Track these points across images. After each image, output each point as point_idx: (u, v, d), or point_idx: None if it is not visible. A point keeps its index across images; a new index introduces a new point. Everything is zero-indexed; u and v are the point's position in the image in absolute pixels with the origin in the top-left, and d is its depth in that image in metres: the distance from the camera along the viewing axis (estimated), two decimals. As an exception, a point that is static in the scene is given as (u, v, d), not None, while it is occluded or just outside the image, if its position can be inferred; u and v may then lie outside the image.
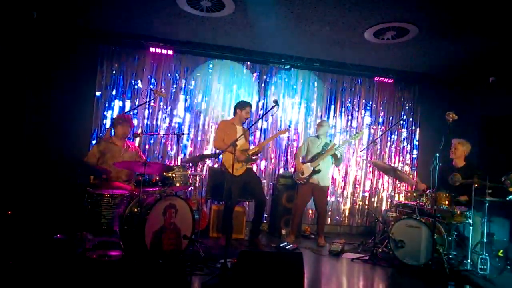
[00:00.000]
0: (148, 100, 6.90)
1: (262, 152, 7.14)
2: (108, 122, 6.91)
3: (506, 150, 6.58)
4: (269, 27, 5.96)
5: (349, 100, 7.98)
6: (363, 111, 8.02)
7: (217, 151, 5.96)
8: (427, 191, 5.39)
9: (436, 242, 4.83)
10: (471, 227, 4.94)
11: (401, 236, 5.08)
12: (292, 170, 7.25)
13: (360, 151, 7.86)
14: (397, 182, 7.90)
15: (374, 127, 8.05)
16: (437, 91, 7.80)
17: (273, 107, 4.89)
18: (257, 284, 3.50)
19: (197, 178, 6.71)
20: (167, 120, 7.24)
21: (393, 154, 8.12)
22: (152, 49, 6.94)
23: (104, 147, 5.17)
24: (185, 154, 7.24)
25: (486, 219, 4.96)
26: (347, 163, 7.88)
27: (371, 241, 5.92)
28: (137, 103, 7.01)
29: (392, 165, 7.37)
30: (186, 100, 7.32)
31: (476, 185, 4.85)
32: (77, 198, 4.57)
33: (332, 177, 7.77)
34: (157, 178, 4.95)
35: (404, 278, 4.85)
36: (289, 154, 7.62)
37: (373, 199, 7.95)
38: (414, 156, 8.17)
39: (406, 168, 8.09)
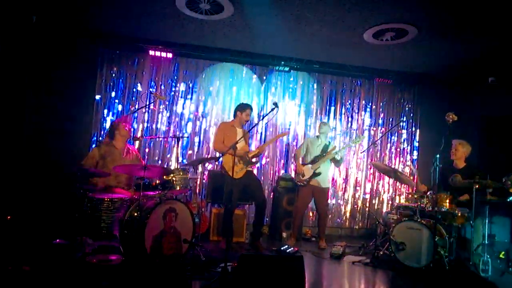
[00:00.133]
0: (147, 103, 6.89)
1: (262, 154, 7.12)
2: (107, 125, 6.89)
3: (506, 151, 6.56)
4: (268, 29, 5.96)
5: (349, 101, 7.97)
6: (363, 113, 8.01)
7: (217, 153, 5.94)
8: (428, 193, 5.37)
9: (437, 244, 4.81)
10: (472, 229, 4.92)
11: (402, 238, 5.06)
12: (293, 172, 7.24)
13: (361, 153, 7.84)
14: (397, 183, 7.89)
15: (374, 129, 8.04)
16: (437, 92, 7.78)
17: (273, 109, 4.87)
18: (258, 288, 3.49)
19: (197, 182, 6.69)
20: (167, 123, 7.23)
21: (393, 155, 8.11)
22: (151, 52, 6.92)
23: (105, 151, 5.15)
24: (184, 157, 7.22)
25: (487, 221, 4.94)
26: (347, 166, 7.86)
27: (372, 244, 5.90)
28: (136, 106, 7.01)
29: (393, 166, 7.37)
30: (185, 103, 7.31)
31: (476, 186, 4.83)
32: (77, 202, 4.55)
33: (333, 179, 7.77)
34: (157, 182, 4.94)
35: (405, 281, 4.82)
36: (289, 156, 7.60)
37: (374, 201, 7.93)
38: (415, 157, 8.15)
39: (407, 170, 8.07)
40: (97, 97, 6.94)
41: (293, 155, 7.07)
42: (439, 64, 7.09)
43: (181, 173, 5.09)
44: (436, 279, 4.73)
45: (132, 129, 5.58)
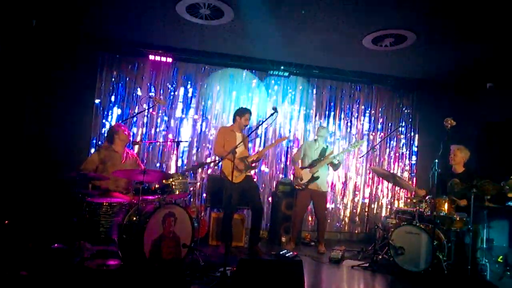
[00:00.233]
0: (147, 107, 6.90)
1: (262, 159, 7.12)
2: (107, 130, 6.90)
3: (504, 156, 6.57)
4: (268, 34, 5.98)
5: (348, 107, 7.98)
6: (362, 118, 8.02)
7: (217, 158, 5.94)
8: (427, 197, 5.38)
9: (435, 249, 4.81)
10: (470, 233, 4.92)
11: (401, 242, 5.06)
12: (292, 176, 7.24)
13: (360, 158, 7.85)
14: (396, 188, 7.90)
15: (373, 134, 8.05)
16: (436, 97, 7.80)
17: (272, 114, 4.89)
18: (257, 293, 3.48)
19: (197, 186, 6.70)
20: (166, 127, 7.24)
21: (392, 160, 8.12)
22: (151, 57, 6.94)
23: (104, 155, 5.14)
24: (183, 162, 7.23)
25: (485, 225, 4.95)
26: (346, 170, 7.87)
27: (371, 248, 5.90)
28: (136, 110, 7.02)
29: (391, 171, 7.38)
30: (185, 108, 7.32)
31: (474, 190, 4.84)
32: (76, 206, 4.55)
33: (332, 184, 7.78)
34: (156, 186, 4.94)
35: (404, 285, 4.82)
36: (288, 161, 7.61)
37: (373, 206, 7.93)
38: (413, 162, 8.17)
39: (406, 175, 8.09)
40: (97, 101, 6.95)
41: (291, 159, 7.09)
42: (437, 70, 7.12)
43: (180, 178, 5.09)
44: (435, 284, 4.74)
45: (131, 133, 5.58)
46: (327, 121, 7.86)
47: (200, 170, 7.00)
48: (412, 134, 8.22)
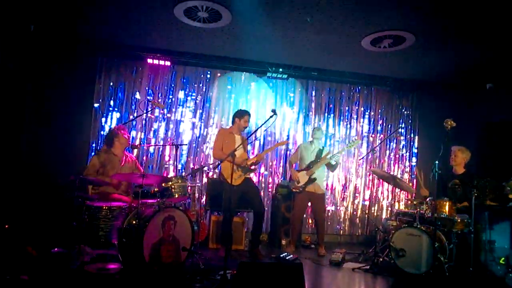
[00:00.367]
0: (145, 111, 6.89)
1: (261, 162, 7.12)
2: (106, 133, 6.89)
3: (505, 157, 6.57)
4: (266, 37, 5.98)
5: (347, 108, 7.98)
6: (361, 120, 8.02)
7: (216, 160, 5.93)
8: (427, 199, 5.37)
9: (437, 251, 4.80)
10: (471, 235, 4.90)
11: (402, 244, 5.04)
12: (288, 179, 7.23)
13: (360, 160, 7.84)
14: (397, 190, 7.89)
15: (373, 135, 8.05)
16: (435, 98, 7.80)
17: (271, 116, 4.88)
18: (257, 296, 3.47)
19: (196, 189, 6.67)
20: (165, 131, 7.23)
21: (392, 162, 8.11)
22: (150, 60, 6.94)
23: (104, 158, 5.14)
24: (183, 165, 7.21)
25: (487, 227, 4.94)
26: (346, 173, 7.86)
27: (372, 250, 5.88)
28: (135, 114, 7.01)
29: (391, 173, 7.37)
30: (184, 111, 7.32)
31: (475, 192, 4.82)
32: (75, 211, 4.53)
33: (332, 186, 7.77)
34: (156, 190, 4.93)
35: (405, 287, 4.81)
36: (288, 164, 7.59)
37: (373, 208, 7.91)
38: (413, 163, 8.16)
39: (406, 176, 8.08)
40: (96, 105, 6.94)
41: (287, 162, 7.09)
42: (437, 71, 7.12)
43: (179, 181, 5.07)
44: (437, 286, 4.72)
45: (130, 137, 5.57)
46: (326, 123, 7.86)
47: (199, 173, 6.97)
48: (412, 135, 8.22)
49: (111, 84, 7.06)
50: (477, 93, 7.28)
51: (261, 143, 7.58)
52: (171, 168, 7.10)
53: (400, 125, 8.16)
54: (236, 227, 6.06)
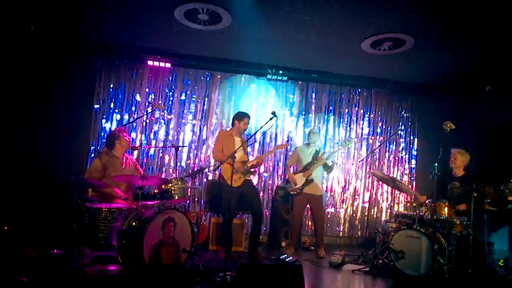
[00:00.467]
0: (146, 113, 6.90)
1: (261, 164, 7.11)
2: (107, 135, 6.89)
3: (504, 159, 6.57)
4: (267, 39, 6.00)
5: (347, 111, 7.99)
6: (361, 122, 8.03)
7: (216, 162, 5.94)
8: (427, 201, 5.38)
9: (436, 252, 4.80)
10: (470, 237, 4.91)
11: (401, 246, 5.05)
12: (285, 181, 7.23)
13: (359, 162, 7.85)
14: (396, 192, 7.90)
15: (373, 138, 8.06)
16: (435, 101, 7.81)
17: (271, 118, 4.89)
18: (257, 298, 3.47)
19: (196, 191, 6.68)
20: (165, 132, 7.24)
21: (391, 164, 8.12)
22: (150, 62, 6.94)
23: (106, 160, 5.13)
24: (183, 167, 7.22)
25: (486, 229, 4.94)
26: (346, 175, 7.87)
27: (372, 252, 5.88)
28: (135, 116, 7.02)
29: (391, 175, 7.38)
30: (184, 113, 7.32)
31: (475, 194, 4.83)
32: (75, 212, 4.53)
33: (331, 188, 7.78)
34: (156, 191, 4.92)
35: (405, 290, 4.83)
36: (284, 166, 7.59)
37: (372, 210, 7.92)
38: (413, 166, 8.17)
39: (405, 178, 8.09)
40: (96, 106, 6.95)
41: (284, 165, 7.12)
42: (436, 73, 7.13)
43: (179, 183, 5.08)
44: (436, 287, 4.73)
45: (131, 139, 5.57)
46: (326, 125, 7.87)
47: (199, 175, 6.98)
48: (412, 137, 8.23)
49: (111, 85, 7.06)
50: (476, 95, 7.28)
51: (261, 145, 7.58)
52: (171, 170, 7.10)
53: (400, 128, 8.17)
54: (235, 229, 6.06)
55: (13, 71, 5.84)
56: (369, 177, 7.90)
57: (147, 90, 7.19)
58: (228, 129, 6.71)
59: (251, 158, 6.05)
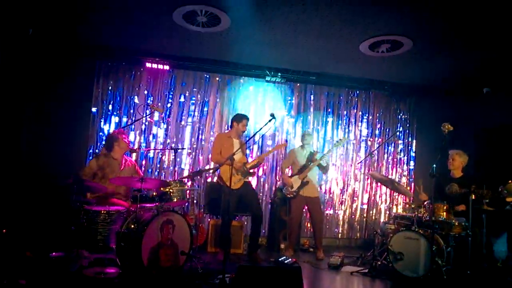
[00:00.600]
0: (144, 115, 6.89)
1: (260, 165, 7.11)
2: (104, 138, 6.88)
3: (502, 160, 6.59)
4: (265, 41, 6.00)
5: (346, 113, 8.00)
6: (360, 124, 8.04)
7: (215, 165, 5.94)
8: (425, 202, 5.39)
9: (435, 254, 4.81)
10: (469, 238, 4.92)
11: (400, 248, 5.06)
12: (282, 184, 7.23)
13: (358, 163, 7.86)
14: (394, 194, 7.90)
15: (371, 139, 8.07)
16: (433, 102, 7.83)
17: (270, 120, 4.90)
18: (256, 300, 3.48)
19: (194, 193, 6.69)
20: (164, 135, 7.24)
21: (390, 165, 8.13)
22: (148, 65, 6.94)
23: (103, 162, 5.14)
24: (182, 169, 7.22)
25: (484, 230, 4.95)
26: (344, 177, 7.88)
27: (370, 254, 5.89)
28: (133, 118, 7.01)
29: (390, 177, 7.38)
30: (182, 115, 7.32)
31: (472, 196, 4.84)
32: (73, 215, 4.53)
33: (330, 190, 7.78)
34: (154, 194, 4.94)
35: (403, 291, 4.83)
36: (280, 169, 7.57)
37: (371, 212, 7.92)
38: (411, 167, 8.18)
39: (404, 180, 8.10)
40: (94, 109, 6.94)
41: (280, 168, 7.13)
42: (434, 75, 7.14)
43: (178, 185, 5.09)
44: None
45: (130, 141, 5.57)
46: (324, 127, 7.88)
47: (197, 177, 6.98)
48: (410, 139, 8.24)
49: (110, 87, 7.06)
50: (474, 97, 7.31)
51: (260, 147, 7.58)
52: (170, 172, 7.10)
53: (398, 129, 8.18)
54: (234, 231, 6.07)
55: (12, 73, 5.84)
56: (367, 178, 7.91)
57: (145, 92, 7.19)
58: (226, 131, 6.71)
59: (249, 160, 6.05)
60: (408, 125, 8.24)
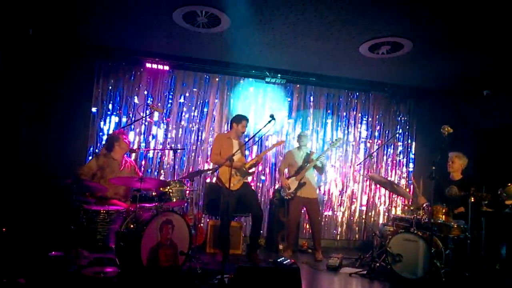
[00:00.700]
0: (144, 115, 6.89)
1: (259, 164, 7.10)
2: (104, 138, 6.89)
3: (502, 163, 6.60)
4: (265, 42, 6.01)
5: (345, 114, 8.01)
6: (359, 125, 8.05)
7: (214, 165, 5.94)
8: (424, 205, 5.40)
9: (433, 256, 4.81)
10: (468, 241, 4.92)
11: (399, 250, 5.06)
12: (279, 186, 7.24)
13: (357, 165, 7.87)
14: (393, 195, 7.91)
15: (370, 141, 8.08)
16: (433, 104, 7.84)
17: (269, 121, 4.91)
18: (255, 300, 3.48)
19: (194, 193, 6.68)
20: (163, 135, 7.24)
21: (389, 167, 8.14)
22: (148, 65, 6.94)
23: (103, 162, 5.13)
24: (182, 169, 7.22)
25: (483, 232, 4.96)
26: (343, 178, 7.89)
27: (369, 256, 5.89)
28: (133, 118, 7.02)
29: (389, 178, 7.39)
30: (182, 115, 7.33)
31: (472, 199, 4.85)
32: (73, 214, 4.54)
33: (329, 191, 7.79)
34: (154, 194, 4.93)
35: (402, 293, 4.84)
36: (277, 172, 7.57)
37: (370, 213, 7.93)
38: (411, 169, 8.20)
39: (403, 182, 8.11)
40: (94, 109, 6.95)
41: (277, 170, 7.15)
42: (434, 77, 7.14)
43: (177, 185, 5.09)
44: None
45: (130, 142, 5.57)
46: (324, 128, 7.89)
47: (197, 177, 6.98)
48: (409, 141, 8.26)
49: (110, 87, 7.07)
50: (474, 99, 7.32)
51: (259, 148, 7.58)
52: (169, 172, 7.10)
53: (398, 131, 8.20)
54: (233, 232, 6.08)
55: (11, 73, 5.85)
56: (366, 180, 7.92)
57: (145, 92, 7.20)
58: (226, 132, 6.72)
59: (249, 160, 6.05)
60: (407, 127, 8.26)
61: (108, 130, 6.96)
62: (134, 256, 4.25)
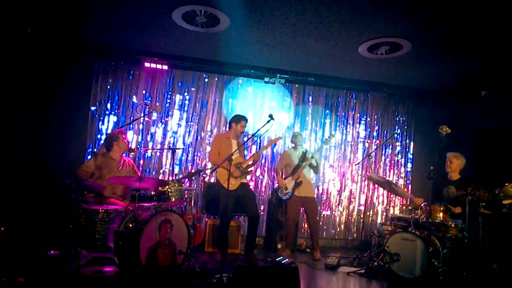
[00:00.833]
0: (142, 114, 6.90)
1: (257, 162, 7.09)
2: (103, 137, 6.89)
3: (500, 163, 6.62)
4: (264, 42, 6.02)
5: (344, 114, 8.03)
6: (358, 125, 8.07)
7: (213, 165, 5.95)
8: (422, 204, 5.41)
9: (431, 255, 4.83)
10: (465, 240, 4.93)
11: (397, 249, 5.08)
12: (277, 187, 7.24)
13: (355, 165, 7.89)
14: (392, 195, 7.93)
15: (369, 141, 8.09)
16: (431, 105, 7.86)
17: (268, 121, 4.92)
18: (253, 299, 3.49)
19: (193, 193, 6.69)
20: (162, 134, 7.25)
21: (387, 167, 8.16)
22: (147, 64, 6.94)
23: (101, 161, 5.14)
24: (180, 169, 7.23)
25: (481, 232, 4.97)
26: (342, 178, 7.90)
27: (367, 255, 5.91)
28: (132, 118, 7.02)
29: (387, 178, 7.40)
30: (181, 115, 7.34)
31: (469, 198, 4.86)
32: (72, 213, 4.54)
33: (327, 191, 7.80)
34: (153, 193, 4.94)
35: (400, 292, 4.85)
36: (274, 172, 7.57)
37: (368, 213, 7.95)
38: (409, 169, 8.21)
39: (401, 182, 8.13)
40: (92, 108, 6.95)
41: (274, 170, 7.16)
42: (433, 78, 7.15)
43: (176, 185, 5.09)
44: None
45: (129, 141, 5.58)
46: (322, 128, 7.90)
47: (195, 177, 6.98)
48: (408, 141, 8.28)
49: (108, 87, 7.07)
50: (472, 99, 7.34)
51: (258, 147, 7.58)
52: (168, 171, 7.11)
53: (396, 131, 8.22)
54: (232, 231, 6.09)
55: (10, 72, 5.84)
56: (365, 180, 7.93)
57: (144, 92, 7.20)
58: (224, 132, 6.72)
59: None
60: (406, 127, 8.28)
61: (107, 129, 6.96)
62: (133, 255, 4.26)
